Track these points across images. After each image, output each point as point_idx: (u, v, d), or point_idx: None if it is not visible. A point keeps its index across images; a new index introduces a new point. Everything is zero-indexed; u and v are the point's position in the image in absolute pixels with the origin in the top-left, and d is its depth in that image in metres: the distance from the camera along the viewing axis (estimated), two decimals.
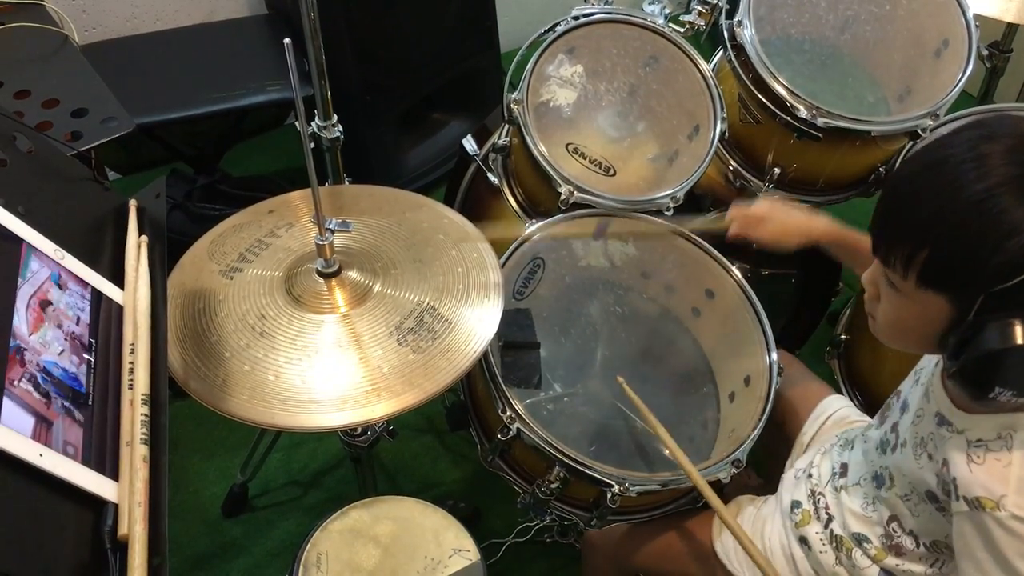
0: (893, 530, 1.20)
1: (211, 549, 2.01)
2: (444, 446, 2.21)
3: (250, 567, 1.98)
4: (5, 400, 0.82)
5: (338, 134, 1.63)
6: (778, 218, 1.46)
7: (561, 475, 1.36)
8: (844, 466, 1.31)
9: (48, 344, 0.92)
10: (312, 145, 1.63)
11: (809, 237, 1.45)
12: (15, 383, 0.83)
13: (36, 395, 0.86)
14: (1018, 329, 0.90)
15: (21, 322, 0.89)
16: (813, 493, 1.34)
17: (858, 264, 1.41)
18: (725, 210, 1.54)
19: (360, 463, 1.53)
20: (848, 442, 1.34)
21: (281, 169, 2.83)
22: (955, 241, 0.92)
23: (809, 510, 1.33)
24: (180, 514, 2.07)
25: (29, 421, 0.83)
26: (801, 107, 1.63)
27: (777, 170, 1.79)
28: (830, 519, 1.30)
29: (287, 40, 1.01)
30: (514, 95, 1.60)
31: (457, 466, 2.17)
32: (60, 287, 0.98)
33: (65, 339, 0.95)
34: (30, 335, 0.89)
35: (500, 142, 1.75)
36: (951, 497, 1.04)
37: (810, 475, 1.37)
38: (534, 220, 1.55)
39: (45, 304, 0.94)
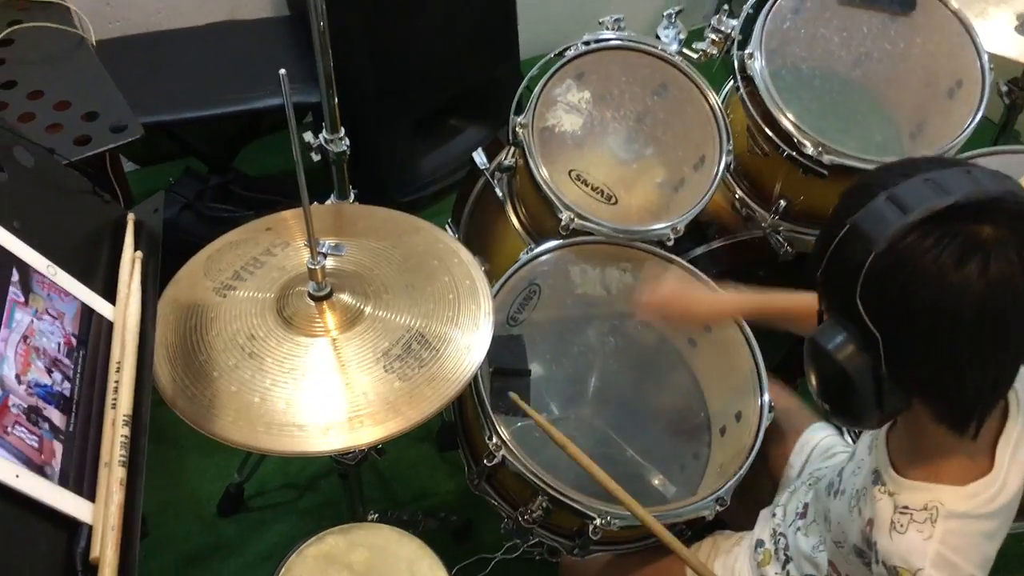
0: (832, 574, 1.21)
1: (204, 547, 2.03)
2: (441, 457, 2.21)
3: (242, 567, 2.00)
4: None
5: (344, 148, 1.63)
6: (679, 306, 1.45)
7: (544, 504, 1.37)
8: (806, 506, 1.32)
9: (35, 366, 0.93)
10: (318, 158, 1.66)
11: (715, 319, 1.46)
12: (8, 429, 0.85)
13: (27, 431, 0.87)
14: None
15: (10, 368, 0.90)
16: (775, 533, 1.36)
17: (800, 328, 1.39)
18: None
19: (348, 479, 1.54)
20: (817, 480, 1.35)
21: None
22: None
23: (770, 550, 1.35)
24: (176, 510, 2.09)
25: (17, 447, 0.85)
26: (807, 143, 1.62)
27: (783, 202, 1.78)
28: (788, 560, 1.31)
29: (282, 71, 1.02)
30: (520, 119, 1.60)
31: (452, 477, 2.18)
32: (39, 317, 0.98)
33: (49, 357, 0.96)
34: (19, 375, 0.91)
35: (506, 162, 1.75)
36: (872, 558, 1.05)
37: (774, 514, 1.38)
38: (530, 247, 1.55)
39: (29, 336, 0.95)
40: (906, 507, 1.01)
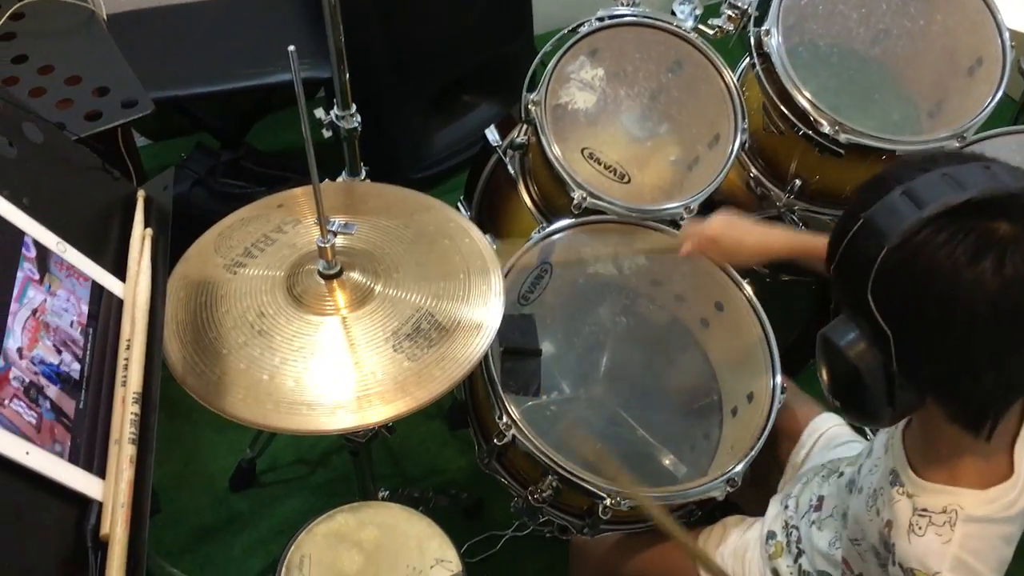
0: (846, 571, 1.20)
1: (216, 522, 2.05)
2: (452, 434, 2.22)
3: (254, 542, 2.01)
4: None
5: (356, 124, 1.62)
6: (732, 238, 1.41)
7: (554, 484, 1.37)
8: (820, 499, 1.31)
9: (42, 343, 0.93)
10: (329, 134, 1.64)
11: (766, 255, 1.42)
12: (5, 402, 0.84)
13: (26, 406, 0.87)
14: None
15: (15, 342, 0.90)
16: (787, 525, 1.35)
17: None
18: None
19: (358, 457, 1.54)
20: (831, 472, 1.33)
21: None
22: None
23: (782, 542, 1.33)
24: (188, 485, 2.10)
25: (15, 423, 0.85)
26: (824, 122, 1.60)
27: (799, 181, 1.76)
28: (800, 553, 1.30)
29: (291, 47, 1.01)
30: (532, 96, 1.59)
31: (463, 455, 2.18)
32: (52, 294, 0.98)
33: (60, 335, 0.96)
34: (24, 350, 0.91)
35: (518, 140, 1.74)
36: (889, 560, 1.04)
37: (787, 506, 1.37)
38: (542, 226, 1.54)
39: (40, 312, 0.95)
40: (925, 509, 1.00)
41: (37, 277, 0.97)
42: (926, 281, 0.86)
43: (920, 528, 0.99)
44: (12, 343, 0.89)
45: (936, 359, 0.90)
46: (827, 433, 1.49)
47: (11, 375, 0.87)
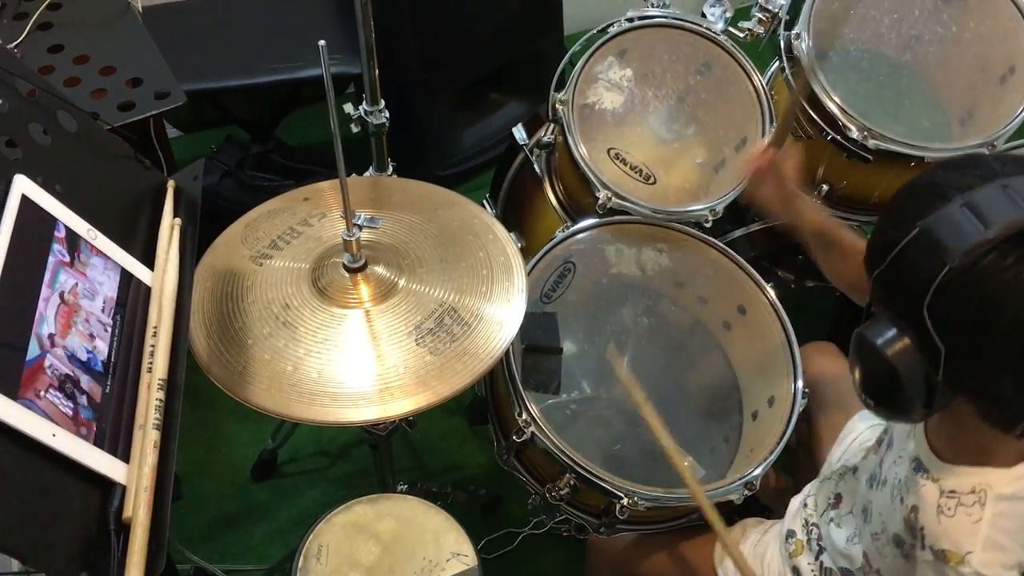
0: (865, 567, 1.20)
1: (237, 510, 2.07)
2: (472, 431, 2.22)
3: (273, 532, 2.03)
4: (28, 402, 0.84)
5: (384, 120, 1.63)
6: (795, 183, 1.35)
7: (571, 482, 1.38)
8: (838, 497, 1.30)
9: (75, 329, 0.95)
10: (358, 130, 1.66)
11: (804, 218, 1.35)
12: (40, 393, 0.86)
13: (63, 397, 0.89)
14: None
15: (48, 328, 0.91)
16: (807, 523, 1.35)
17: (831, 262, 1.32)
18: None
19: (378, 450, 1.56)
20: (847, 469, 1.33)
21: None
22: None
23: (802, 540, 1.33)
24: (211, 473, 2.12)
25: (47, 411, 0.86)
26: (853, 127, 1.59)
27: (826, 186, 1.75)
28: (821, 550, 1.30)
29: (321, 43, 1.02)
30: (560, 95, 1.59)
31: (483, 451, 2.19)
32: (83, 277, 1.00)
33: (89, 322, 0.98)
34: (58, 336, 0.92)
35: (545, 139, 1.74)
36: (918, 544, 1.03)
37: (805, 504, 1.37)
38: (566, 225, 1.55)
39: (71, 296, 0.97)
40: (953, 491, 1.00)
41: (67, 260, 0.99)
42: (989, 305, 0.85)
43: (950, 509, 0.99)
44: (46, 329, 0.91)
45: (985, 372, 0.90)
46: (861, 437, 1.48)
47: (46, 363, 0.88)
